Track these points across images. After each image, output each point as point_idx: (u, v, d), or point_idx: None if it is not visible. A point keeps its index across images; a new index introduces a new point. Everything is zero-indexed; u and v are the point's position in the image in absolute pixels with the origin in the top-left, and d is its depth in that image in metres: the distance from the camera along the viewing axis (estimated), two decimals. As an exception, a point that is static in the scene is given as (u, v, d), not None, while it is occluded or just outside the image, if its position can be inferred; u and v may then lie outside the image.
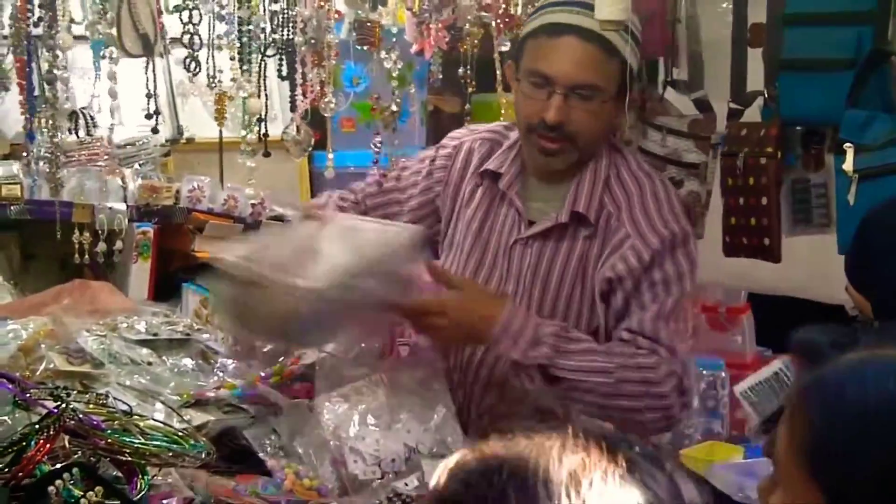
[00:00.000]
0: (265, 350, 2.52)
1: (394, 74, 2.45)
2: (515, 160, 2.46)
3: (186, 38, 2.09)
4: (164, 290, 2.97)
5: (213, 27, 2.20)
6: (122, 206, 2.89)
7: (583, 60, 2.30)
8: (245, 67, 2.16)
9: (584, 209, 2.37)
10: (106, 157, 2.87)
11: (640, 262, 2.32)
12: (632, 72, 2.38)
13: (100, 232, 2.80)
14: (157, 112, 2.20)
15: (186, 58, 2.19)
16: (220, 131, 2.59)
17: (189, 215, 3.09)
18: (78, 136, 2.73)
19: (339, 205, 2.57)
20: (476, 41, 2.50)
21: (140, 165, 3.09)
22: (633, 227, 2.35)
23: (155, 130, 2.20)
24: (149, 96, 2.12)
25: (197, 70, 2.20)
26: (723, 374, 3.48)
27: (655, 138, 2.82)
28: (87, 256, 2.77)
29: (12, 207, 2.73)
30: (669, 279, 2.33)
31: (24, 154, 2.38)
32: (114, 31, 2.06)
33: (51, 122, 2.07)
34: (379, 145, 2.48)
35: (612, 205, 2.39)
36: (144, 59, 2.24)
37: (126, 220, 2.88)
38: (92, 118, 2.72)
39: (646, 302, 2.32)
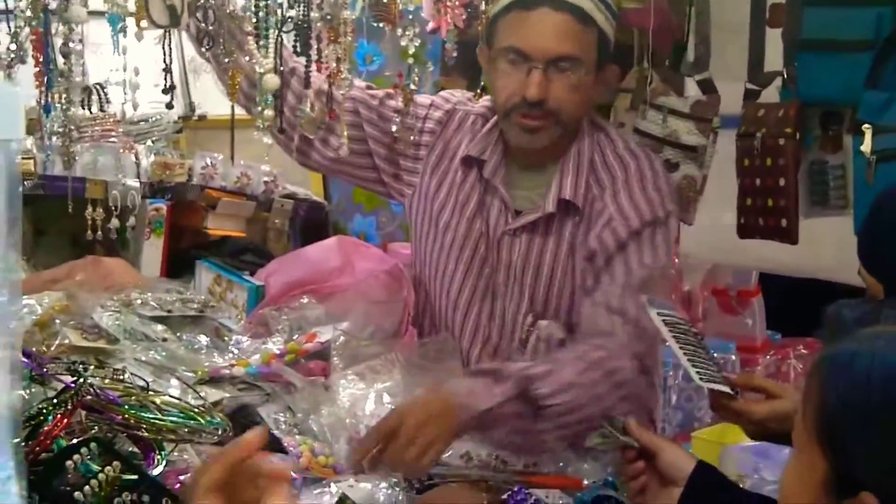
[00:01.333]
0: (278, 326, 2.52)
1: (410, 52, 2.42)
2: (497, 145, 2.41)
3: (200, 12, 2.07)
4: (176, 267, 2.96)
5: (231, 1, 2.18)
6: (136, 183, 2.87)
7: (558, 31, 2.24)
8: (262, 43, 2.14)
9: (570, 196, 2.33)
10: (119, 132, 2.86)
11: (617, 240, 2.29)
12: (607, 42, 2.32)
13: (113, 208, 2.78)
14: (173, 87, 2.18)
15: (200, 32, 2.16)
16: (233, 108, 2.58)
17: (202, 192, 3.08)
18: (91, 112, 2.71)
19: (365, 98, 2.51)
20: (491, 18, 2.47)
21: (153, 142, 3.08)
22: (615, 207, 2.31)
23: (170, 106, 2.17)
24: (165, 70, 2.09)
25: (210, 45, 2.17)
26: (733, 356, 3.49)
27: (655, 119, 2.79)
28: (99, 233, 2.75)
29: (25, 182, 2.71)
30: (643, 255, 2.30)
31: (39, 129, 2.36)
32: (129, 4, 2.03)
33: (65, 96, 2.05)
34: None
35: (596, 187, 2.35)
36: (160, 32, 2.21)
37: (139, 197, 2.87)
38: (105, 93, 2.70)
39: (617, 275, 2.28)
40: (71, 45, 2.02)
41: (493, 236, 2.41)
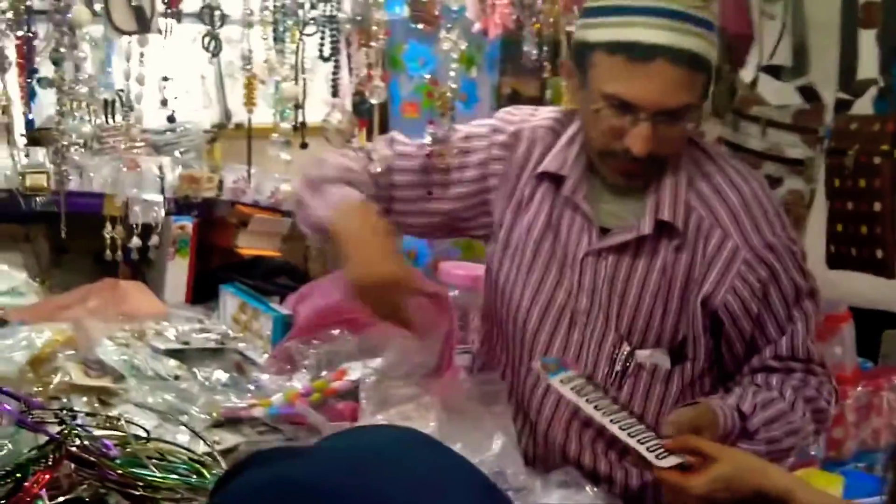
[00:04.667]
0: (305, 361, 2.29)
1: (455, 56, 2.18)
2: (579, 159, 2.15)
3: (206, 13, 1.85)
4: (204, 290, 2.74)
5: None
6: (159, 198, 2.67)
7: (675, 85, 1.99)
8: (279, 47, 1.91)
9: (669, 217, 2.09)
10: (142, 143, 2.65)
11: (761, 281, 2.09)
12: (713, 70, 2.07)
13: (133, 226, 2.58)
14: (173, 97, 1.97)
15: (205, 36, 1.96)
16: (249, 119, 2.36)
17: (232, 208, 2.87)
18: (107, 121, 2.51)
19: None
20: (550, 19, 2.21)
21: (181, 153, 2.87)
22: (742, 239, 2.09)
23: (171, 119, 1.97)
24: (164, 79, 1.88)
25: (218, 49, 1.97)
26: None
27: (752, 131, 2.54)
28: (119, 253, 2.56)
29: (38, 198, 2.53)
30: (801, 293, 2.12)
31: (54, 141, 2.17)
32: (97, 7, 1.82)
33: (58, 106, 1.85)
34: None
35: (703, 208, 2.11)
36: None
37: (163, 213, 2.67)
38: (121, 101, 2.50)
39: (784, 324, 2.12)
40: (62, 50, 1.81)
41: (571, 257, 2.16)
